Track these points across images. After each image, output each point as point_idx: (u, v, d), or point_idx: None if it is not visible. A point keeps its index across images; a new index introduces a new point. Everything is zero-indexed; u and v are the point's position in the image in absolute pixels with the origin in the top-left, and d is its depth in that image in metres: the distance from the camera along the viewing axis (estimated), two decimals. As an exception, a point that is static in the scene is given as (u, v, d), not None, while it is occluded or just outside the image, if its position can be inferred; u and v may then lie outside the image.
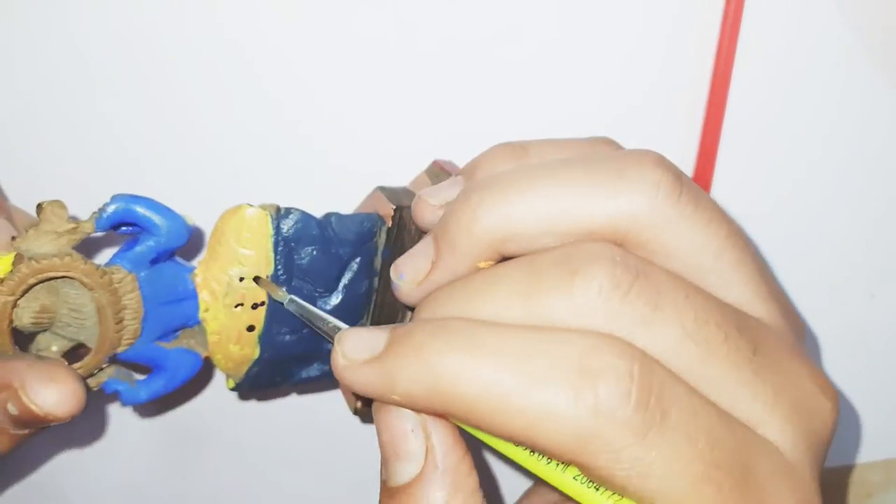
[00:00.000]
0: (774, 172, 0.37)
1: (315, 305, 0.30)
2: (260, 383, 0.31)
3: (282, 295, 0.28)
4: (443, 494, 0.21)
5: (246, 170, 0.36)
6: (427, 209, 0.25)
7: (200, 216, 0.32)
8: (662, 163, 0.22)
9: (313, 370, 0.32)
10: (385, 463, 0.22)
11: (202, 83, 0.34)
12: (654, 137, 0.36)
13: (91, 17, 0.33)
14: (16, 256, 0.26)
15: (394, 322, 0.32)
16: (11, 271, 0.26)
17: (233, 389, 0.32)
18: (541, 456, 0.21)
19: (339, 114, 0.35)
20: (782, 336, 0.22)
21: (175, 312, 0.29)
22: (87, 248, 0.29)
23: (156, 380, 0.30)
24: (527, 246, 0.22)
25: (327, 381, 0.33)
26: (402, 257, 0.25)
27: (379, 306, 0.31)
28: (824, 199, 0.38)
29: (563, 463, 0.20)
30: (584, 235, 0.21)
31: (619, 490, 0.19)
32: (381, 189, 0.31)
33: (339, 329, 0.25)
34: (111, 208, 0.27)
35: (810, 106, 0.36)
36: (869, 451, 0.41)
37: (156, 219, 0.27)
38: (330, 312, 0.30)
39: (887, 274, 0.39)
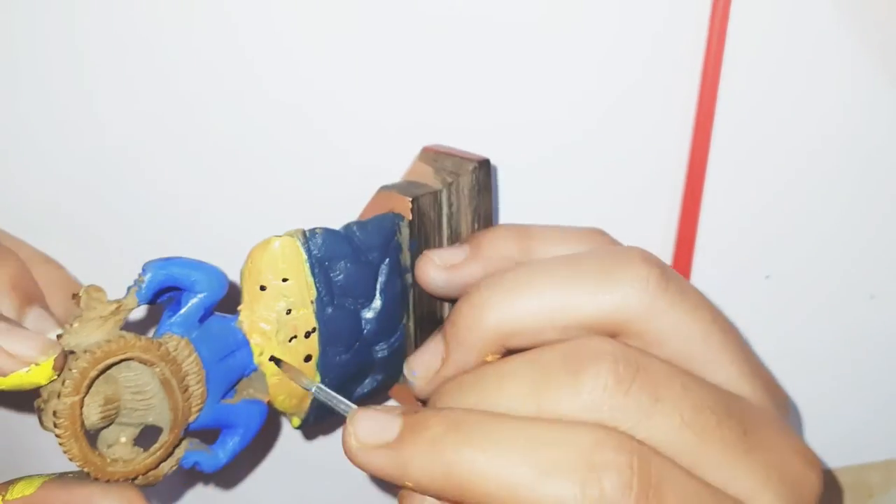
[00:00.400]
0: (771, 172, 0.37)
1: (360, 316, 0.30)
2: (324, 413, 0.31)
3: (307, 382, 0.28)
4: None
5: (242, 168, 0.35)
6: (431, 266, 0.28)
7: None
8: (649, 258, 0.23)
9: (367, 385, 0.32)
10: None
11: (200, 82, 0.34)
12: (646, 137, 0.36)
13: (95, 19, 0.32)
14: (56, 360, 0.25)
15: (435, 316, 0.32)
16: (71, 369, 0.25)
17: (298, 427, 0.31)
18: None
19: (330, 109, 0.35)
20: (767, 413, 0.24)
21: (232, 365, 0.28)
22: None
23: (230, 438, 0.29)
24: (530, 340, 0.24)
25: (380, 393, 0.33)
26: (414, 355, 0.27)
27: (417, 303, 0.31)
28: (822, 199, 0.38)
29: None
30: (583, 329, 0.23)
31: None
32: (386, 188, 0.31)
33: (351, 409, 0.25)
34: (147, 277, 0.26)
35: (807, 104, 0.36)
36: (869, 452, 0.41)
37: (195, 275, 0.27)
38: (374, 319, 0.30)
39: (887, 275, 0.39)
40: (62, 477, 0.26)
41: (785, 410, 0.25)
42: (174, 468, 0.28)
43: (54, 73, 0.33)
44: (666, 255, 0.37)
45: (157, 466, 0.27)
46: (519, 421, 0.21)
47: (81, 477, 0.26)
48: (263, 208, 0.36)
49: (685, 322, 0.23)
